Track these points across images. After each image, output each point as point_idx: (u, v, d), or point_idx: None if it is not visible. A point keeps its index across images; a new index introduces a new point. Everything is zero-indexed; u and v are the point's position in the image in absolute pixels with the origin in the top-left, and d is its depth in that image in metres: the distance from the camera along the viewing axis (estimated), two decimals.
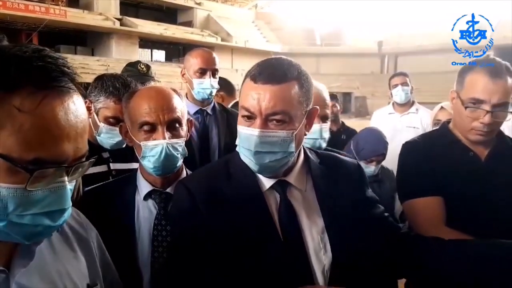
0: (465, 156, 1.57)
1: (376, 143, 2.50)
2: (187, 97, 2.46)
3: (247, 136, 1.08)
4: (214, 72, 2.44)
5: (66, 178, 0.69)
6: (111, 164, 1.87)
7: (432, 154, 1.60)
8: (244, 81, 1.11)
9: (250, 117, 1.07)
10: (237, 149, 1.15)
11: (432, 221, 1.52)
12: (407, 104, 3.91)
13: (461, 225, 1.52)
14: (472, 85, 1.50)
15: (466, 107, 1.51)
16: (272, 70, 1.06)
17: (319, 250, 1.13)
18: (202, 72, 2.40)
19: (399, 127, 3.84)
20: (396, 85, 3.87)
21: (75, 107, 0.70)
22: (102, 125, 1.81)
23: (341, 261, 1.13)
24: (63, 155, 0.67)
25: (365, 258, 1.15)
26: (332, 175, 1.22)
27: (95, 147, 1.82)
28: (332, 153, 1.37)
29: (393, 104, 4.02)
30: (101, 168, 1.84)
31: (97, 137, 1.84)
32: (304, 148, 1.24)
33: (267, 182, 1.16)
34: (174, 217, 1.25)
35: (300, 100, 1.07)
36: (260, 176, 1.16)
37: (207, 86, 2.40)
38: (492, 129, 1.51)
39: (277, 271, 1.08)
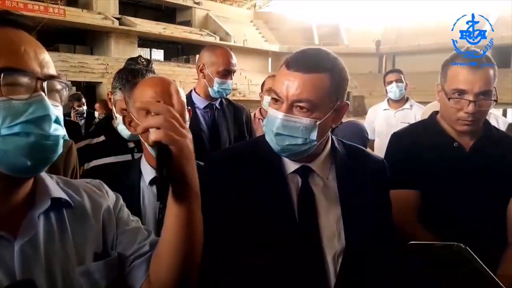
0: (449, 147, 1.62)
1: (353, 135, 2.43)
2: (195, 91, 2.53)
3: (272, 118, 1.13)
4: (234, 73, 2.51)
5: (42, 93, 0.72)
6: (135, 154, 1.90)
7: (417, 144, 1.66)
8: (281, 67, 1.16)
9: (278, 101, 1.12)
10: (263, 129, 1.20)
11: (404, 214, 1.56)
12: (402, 100, 4.02)
13: (439, 213, 1.60)
14: (454, 76, 1.55)
15: (449, 98, 1.56)
16: (306, 59, 1.10)
17: (332, 237, 1.16)
18: (226, 74, 2.44)
19: (393, 122, 3.92)
20: (390, 82, 3.98)
21: (34, 40, 0.77)
22: (119, 116, 1.87)
23: (353, 249, 1.15)
24: (28, 65, 0.72)
25: (375, 253, 1.19)
26: (357, 168, 1.24)
27: (122, 137, 1.89)
28: (360, 147, 1.38)
29: (388, 100, 4.12)
30: (125, 158, 1.89)
31: (117, 128, 1.90)
32: (332, 138, 1.26)
33: (291, 166, 1.19)
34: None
35: (328, 92, 1.09)
36: (285, 159, 1.20)
37: (229, 87, 2.46)
38: (477, 118, 1.55)
39: (289, 252, 1.12)
